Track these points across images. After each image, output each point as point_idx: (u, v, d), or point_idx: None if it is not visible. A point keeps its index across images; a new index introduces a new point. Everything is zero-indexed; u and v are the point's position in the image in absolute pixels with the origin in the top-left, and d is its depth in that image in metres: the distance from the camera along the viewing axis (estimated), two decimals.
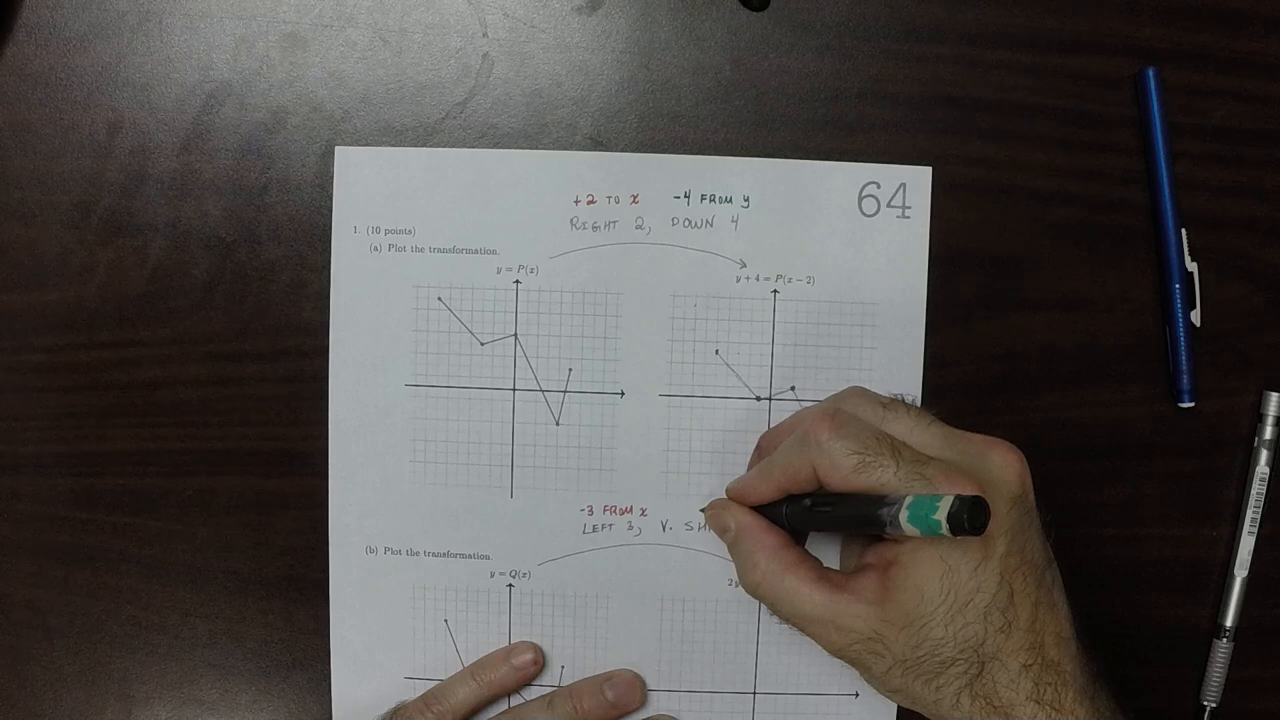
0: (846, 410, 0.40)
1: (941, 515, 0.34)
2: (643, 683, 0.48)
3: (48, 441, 0.48)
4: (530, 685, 0.48)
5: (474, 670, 0.48)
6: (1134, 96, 0.47)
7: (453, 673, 0.48)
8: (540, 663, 0.48)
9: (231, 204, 0.47)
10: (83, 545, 0.49)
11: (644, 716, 0.48)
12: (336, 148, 0.47)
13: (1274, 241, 0.48)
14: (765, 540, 0.41)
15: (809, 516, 0.40)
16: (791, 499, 0.41)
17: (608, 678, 0.48)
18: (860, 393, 0.42)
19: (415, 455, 0.47)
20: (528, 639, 0.48)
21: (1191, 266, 0.47)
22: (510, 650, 0.48)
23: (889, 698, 0.41)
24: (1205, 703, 0.49)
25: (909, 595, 0.37)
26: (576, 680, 0.48)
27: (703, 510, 0.46)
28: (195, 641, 0.49)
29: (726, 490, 0.45)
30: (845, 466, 0.38)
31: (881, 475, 0.37)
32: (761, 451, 0.46)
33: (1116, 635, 0.49)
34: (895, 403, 0.40)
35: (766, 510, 0.43)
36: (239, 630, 0.49)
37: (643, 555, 0.48)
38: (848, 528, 0.43)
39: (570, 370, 0.47)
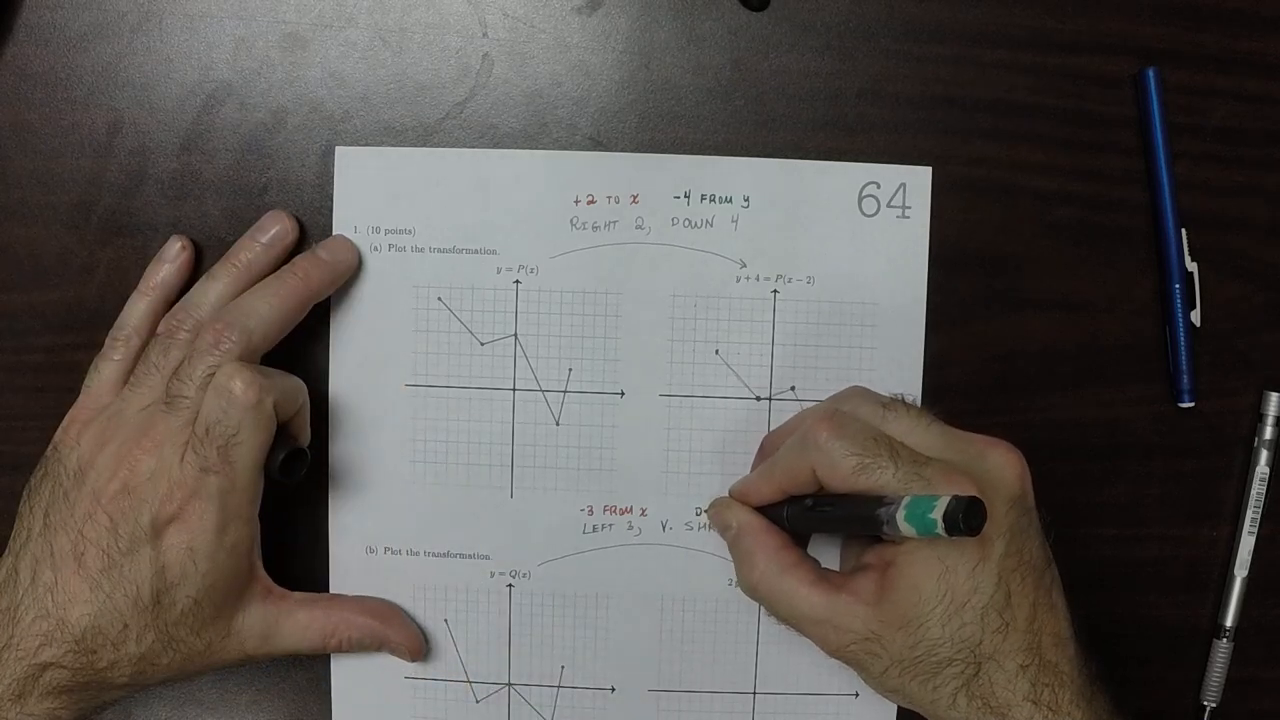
0: (846, 411, 0.40)
1: (937, 515, 0.34)
2: (293, 217, 0.46)
3: (48, 442, 0.48)
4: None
5: (141, 288, 0.45)
6: (1134, 96, 0.47)
7: (452, 673, 0.48)
8: (189, 249, 0.46)
9: (231, 204, 0.47)
10: None
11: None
12: (336, 148, 0.47)
13: (1274, 241, 0.48)
14: (765, 540, 0.41)
15: (809, 517, 0.40)
16: (792, 500, 0.41)
17: (256, 228, 0.45)
18: (860, 393, 0.42)
19: (415, 455, 0.47)
20: (527, 639, 0.48)
21: (1191, 266, 0.47)
22: (166, 247, 0.46)
23: (887, 698, 0.41)
24: (1205, 703, 0.49)
25: (906, 595, 0.37)
26: None
27: (705, 510, 0.46)
28: None
29: (729, 491, 0.45)
30: (844, 468, 0.38)
31: (880, 476, 0.37)
32: (764, 453, 0.46)
33: (1116, 635, 0.49)
34: (895, 402, 0.40)
35: (768, 511, 0.43)
36: None
37: (643, 555, 0.48)
38: (847, 528, 0.43)
39: (570, 370, 0.47)
